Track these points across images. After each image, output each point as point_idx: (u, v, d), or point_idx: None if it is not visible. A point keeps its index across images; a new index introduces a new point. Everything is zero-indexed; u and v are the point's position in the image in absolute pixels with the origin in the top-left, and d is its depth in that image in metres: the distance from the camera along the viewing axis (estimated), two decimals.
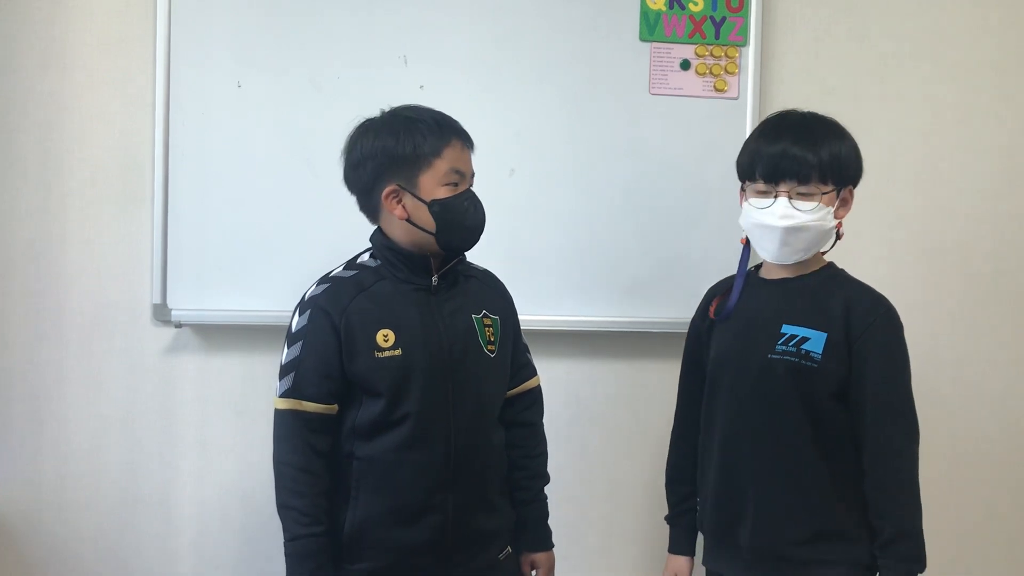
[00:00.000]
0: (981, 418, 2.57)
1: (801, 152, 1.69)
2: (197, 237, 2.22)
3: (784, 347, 1.71)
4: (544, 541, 1.88)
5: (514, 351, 1.86)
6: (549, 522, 1.91)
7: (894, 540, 1.67)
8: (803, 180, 1.69)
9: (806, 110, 1.79)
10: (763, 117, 2.37)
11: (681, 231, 2.38)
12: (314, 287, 1.74)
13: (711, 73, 2.38)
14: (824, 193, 1.70)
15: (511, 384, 1.85)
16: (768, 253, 1.75)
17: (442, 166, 1.66)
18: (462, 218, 1.68)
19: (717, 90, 2.39)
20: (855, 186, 1.77)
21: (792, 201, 1.69)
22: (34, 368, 2.25)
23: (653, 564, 2.49)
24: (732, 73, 2.38)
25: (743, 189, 1.80)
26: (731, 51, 2.38)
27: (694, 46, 2.37)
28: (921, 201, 2.51)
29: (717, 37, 2.38)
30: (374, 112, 1.76)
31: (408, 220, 1.69)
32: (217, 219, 2.23)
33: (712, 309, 1.86)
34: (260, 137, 2.24)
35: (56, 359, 2.26)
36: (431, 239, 1.69)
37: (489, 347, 1.76)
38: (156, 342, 2.28)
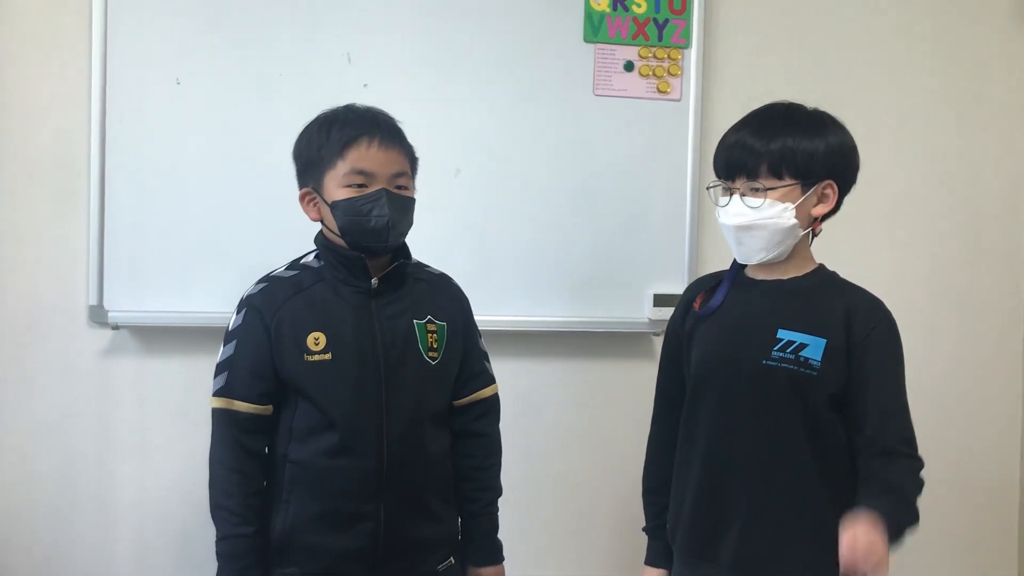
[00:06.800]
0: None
1: (752, 143, 1.59)
2: (134, 237, 2.18)
3: (781, 353, 1.59)
4: (492, 555, 1.82)
5: (468, 358, 1.79)
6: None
7: (880, 494, 1.50)
8: (751, 174, 1.59)
9: (791, 101, 1.65)
10: (704, 119, 2.44)
11: (626, 231, 2.40)
12: (252, 287, 1.71)
13: (654, 75, 2.40)
14: (773, 188, 1.58)
15: (463, 392, 1.79)
16: (734, 253, 1.67)
17: (343, 167, 1.62)
18: (364, 220, 1.61)
19: (660, 92, 2.41)
20: (841, 182, 1.62)
21: (744, 198, 1.60)
22: None
23: (600, 563, 2.51)
24: (675, 75, 2.41)
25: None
26: (674, 53, 2.41)
27: (638, 48, 2.39)
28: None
29: (660, 39, 2.40)
30: (315, 110, 1.73)
31: (322, 222, 1.69)
32: (155, 218, 2.18)
33: (697, 304, 1.73)
34: (200, 135, 2.20)
35: None
36: (343, 241, 1.66)
37: (430, 354, 1.71)
38: (92, 344, 2.23)
